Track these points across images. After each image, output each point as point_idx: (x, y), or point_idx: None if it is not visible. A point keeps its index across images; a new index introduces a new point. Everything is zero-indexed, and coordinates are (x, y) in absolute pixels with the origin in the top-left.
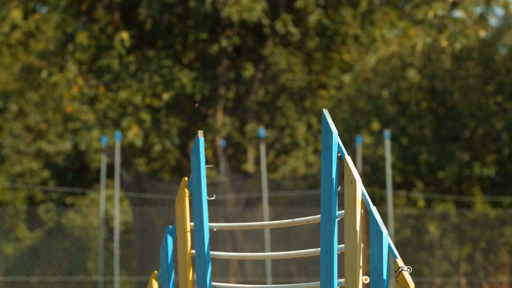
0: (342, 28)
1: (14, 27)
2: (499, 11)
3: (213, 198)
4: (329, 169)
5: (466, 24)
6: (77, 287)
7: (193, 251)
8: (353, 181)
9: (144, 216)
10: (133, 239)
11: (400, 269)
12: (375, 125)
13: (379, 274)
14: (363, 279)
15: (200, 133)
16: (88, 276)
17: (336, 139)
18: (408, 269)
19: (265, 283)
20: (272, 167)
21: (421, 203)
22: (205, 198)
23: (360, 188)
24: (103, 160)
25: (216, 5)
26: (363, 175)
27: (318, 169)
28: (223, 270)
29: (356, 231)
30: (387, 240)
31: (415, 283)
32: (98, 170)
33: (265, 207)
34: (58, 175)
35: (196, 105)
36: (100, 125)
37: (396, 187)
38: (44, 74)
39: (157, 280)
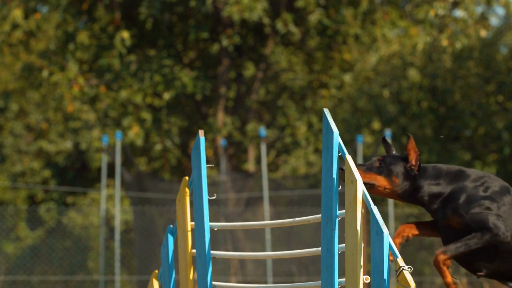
0: (342, 28)
1: (15, 26)
2: (500, 10)
3: (213, 197)
4: (330, 168)
5: (467, 24)
6: (78, 287)
7: (194, 250)
8: (354, 181)
9: (145, 215)
10: (134, 239)
11: (401, 269)
12: (376, 125)
13: (380, 273)
14: (363, 278)
15: (201, 133)
16: (89, 276)
17: (337, 139)
18: (409, 269)
19: (266, 283)
20: (273, 167)
21: None
22: (206, 197)
23: (360, 187)
24: (104, 159)
25: (217, 5)
26: None
27: (319, 169)
28: (223, 269)
29: (357, 230)
30: (388, 239)
31: (415, 282)
32: (98, 170)
33: (266, 207)
34: (58, 175)
35: (442, 137)
36: (100, 125)
37: None
38: (45, 73)
39: (157, 279)
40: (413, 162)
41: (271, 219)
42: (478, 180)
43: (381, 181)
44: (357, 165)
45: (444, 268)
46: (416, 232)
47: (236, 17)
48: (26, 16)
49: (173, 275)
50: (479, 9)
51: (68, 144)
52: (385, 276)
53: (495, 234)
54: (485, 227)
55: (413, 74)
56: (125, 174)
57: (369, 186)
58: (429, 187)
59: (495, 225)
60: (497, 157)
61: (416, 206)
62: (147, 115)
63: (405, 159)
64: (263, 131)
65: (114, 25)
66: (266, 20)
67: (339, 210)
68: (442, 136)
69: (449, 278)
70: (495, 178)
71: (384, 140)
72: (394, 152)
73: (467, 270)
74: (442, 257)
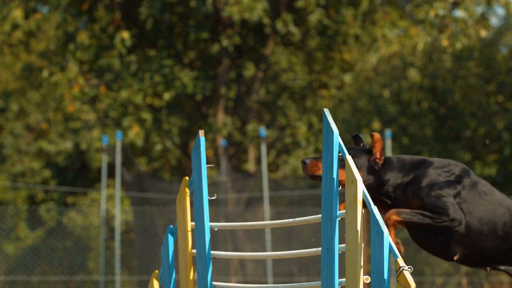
0: (343, 28)
1: (15, 26)
2: (500, 10)
3: (214, 197)
4: (330, 168)
5: (467, 24)
6: (78, 287)
7: (194, 250)
8: (354, 181)
9: (145, 215)
10: (134, 239)
11: (401, 269)
12: (376, 125)
13: (380, 273)
14: (364, 278)
15: (201, 133)
16: (89, 276)
17: (337, 139)
18: (409, 269)
19: (266, 283)
20: (273, 167)
21: None
22: (206, 197)
23: (361, 187)
24: (104, 159)
25: (217, 5)
26: None
27: None
28: (224, 269)
29: (357, 230)
30: (388, 239)
31: (416, 282)
32: (99, 170)
33: (266, 207)
34: (59, 175)
35: (487, 141)
36: (101, 125)
37: None
38: (45, 73)
39: (158, 279)
40: (377, 155)
41: (271, 219)
42: (441, 167)
43: (343, 175)
44: (320, 158)
45: (392, 228)
46: None
47: (236, 17)
48: (26, 16)
49: (173, 275)
50: (479, 9)
51: (68, 144)
52: (385, 276)
53: (452, 220)
54: (444, 214)
55: (413, 74)
56: (125, 174)
57: None
58: (395, 180)
59: (452, 214)
60: (498, 157)
61: None
62: (147, 115)
63: (369, 152)
64: (263, 131)
65: (114, 25)
66: (266, 20)
67: (339, 210)
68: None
69: (391, 237)
70: (457, 164)
71: (354, 136)
72: (362, 145)
73: (443, 258)
74: (394, 217)
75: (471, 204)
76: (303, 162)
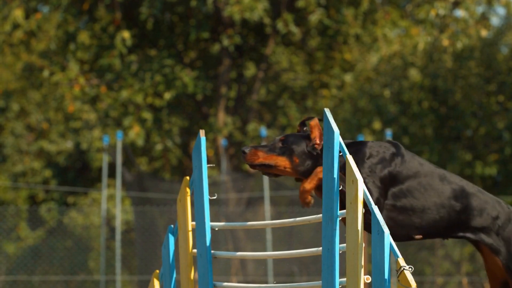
0: (343, 28)
1: (15, 26)
2: (501, 10)
3: (214, 197)
4: (330, 168)
5: (467, 24)
6: (79, 287)
7: (195, 250)
8: (355, 181)
9: (145, 215)
10: (135, 239)
11: (402, 269)
12: (377, 125)
13: (380, 273)
14: (364, 278)
15: (202, 133)
16: (90, 276)
17: (338, 139)
18: (410, 269)
19: (266, 283)
20: None
21: None
22: (206, 197)
23: (361, 187)
24: (105, 159)
25: (217, 4)
26: None
27: None
28: (224, 269)
29: (358, 230)
30: (389, 239)
31: (416, 282)
32: (99, 170)
33: (267, 207)
34: (59, 175)
35: None
36: (101, 125)
37: None
38: (45, 73)
39: (158, 279)
40: (316, 140)
41: (272, 219)
42: (375, 146)
43: (281, 162)
44: (259, 146)
45: (316, 181)
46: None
47: (236, 17)
48: (27, 16)
49: (174, 275)
50: (480, 9)
51: (69, 144)
52: (386, 276)
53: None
54: (370, 195)
55: (414, 74)
56: (126, 174)
57: (268, 167)
58: None
59: (376, 201)
60: (498, 157)
61: None
62: (148, 115)
63: (308, 138)
64: (263, 131)
65: (115, 25)
66: (266, 20)
67: (340, 210)
68: None
69: (310, 186)
70: (387, 142)
71: (301, 123)
72: (305, 130)
73: (403, 240)
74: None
75: (408, 181)
76: (243, 152)
